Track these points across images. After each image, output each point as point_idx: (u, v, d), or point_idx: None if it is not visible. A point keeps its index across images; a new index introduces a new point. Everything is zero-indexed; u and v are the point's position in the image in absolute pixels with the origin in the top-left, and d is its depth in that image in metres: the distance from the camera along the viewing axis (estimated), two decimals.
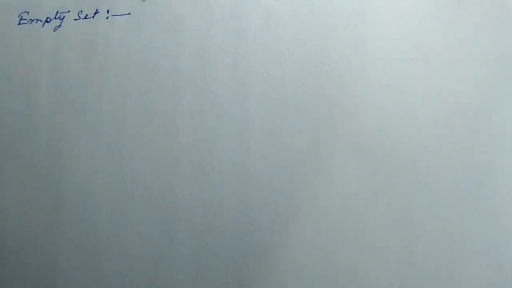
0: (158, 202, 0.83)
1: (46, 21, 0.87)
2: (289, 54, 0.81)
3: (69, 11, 0.86)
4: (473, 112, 0.77)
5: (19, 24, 0.88)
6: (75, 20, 0.86)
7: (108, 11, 0.85)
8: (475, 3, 0.78)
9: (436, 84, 0.78)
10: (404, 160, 0.77)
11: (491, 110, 0.76)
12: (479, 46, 0.77)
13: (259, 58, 0.81)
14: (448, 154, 0.77)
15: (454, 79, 0.77)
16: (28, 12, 0.87)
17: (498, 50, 0.77)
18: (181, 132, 0.82)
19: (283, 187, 0.80)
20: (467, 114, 0.77)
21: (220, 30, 0.82)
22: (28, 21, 0.87)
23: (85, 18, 0.86)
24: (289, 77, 0.80)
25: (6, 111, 0.87)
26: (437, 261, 0.76)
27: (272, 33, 0.81)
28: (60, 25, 0.86)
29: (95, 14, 0.85)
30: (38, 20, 0.87)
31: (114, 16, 0.85)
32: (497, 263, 0.75)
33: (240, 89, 0.81)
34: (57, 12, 0.87)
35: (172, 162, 0.82)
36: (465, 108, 0.77)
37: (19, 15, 0.88)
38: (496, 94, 0.76)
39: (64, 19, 0.86)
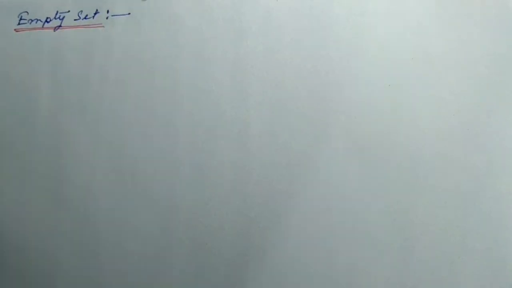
0: (158, 202, 0.83)
1: (46, 21, 0.87)
2: (289, 54, 0.81)
3: (69, 11, 0.86)
4: (473, 112, 0.77)
5: (18, 24, 0.88)
6: (75, 20, 0.86)
7: (108, 11, 0.85)
8: (475, 3, 0.78)
9: (436, 84, 0.78)
10: (404, 160, 0.77)
11: (491, 110, 0.76)
12: (479, 46, 0.77)
13: (259, 58, 0.81)
14: (448, 154, 0.77)
15: (454, 79, 0.77)
16: (27, 12, 0.87)
17: (498, 50, 0.77)
18: (181, 132, 0.82)
19: (283, 187, 0.80)
20: (467, 114, 0.77)
21: (220, 30, 0.82)
22: (28, 21, 0.87)
23: (85, 18, 0.86)
24: (289, 77, 0.80)
25: (6, 111, 0.87)
26: (437, 261, 0.76)
27: (272, 33, 0.81)
28: (60, 25, 0.86)
29: (95, 14, 0.85)
30: (38, 20, 0.87)
31: (114, 16, 0.85)
32: (497, 263, 0.75)
33: (240, 89, 0.81)
34: (57, 12, 0.86)
35: (172, 162, 0.82)
36: (465, 108, 0.77)
37: (19, 15, 0.88)
38: (496, 94, 0.76)
39: (64, 19, 0.86)
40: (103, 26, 0.85)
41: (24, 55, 0.87)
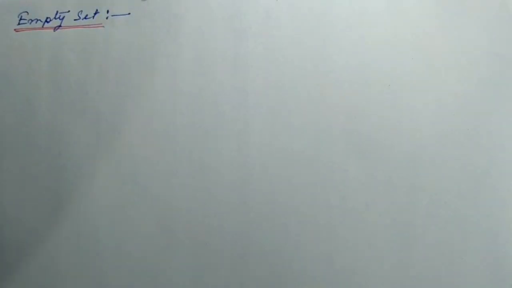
0: (158, 202, 0.83)
1: (46, 21, 0.87)
2: (289, 54, 0.81)
3: (69, 11, 0.86)
4: (473, 112, 0.77)
5: (18, 24, 0.88)
6: (75, 20, 0.86)
7: (108, 11, 0.85)
8: (475, 3, 0.78)
9: (436, 84, 0.78)
10: (404, 160, 0.78)
11: (491, 110, 0.76)
12: (479, 46, 0.77)
13: (259, 58, 0.81)
14: (448, 154, 0.77)
15: (454, 79, 0.77)
16: (27, 12, 0.87)
17: (498, 50, 0.77)
18: (181, 132, 0.82)
19: (283, 187, 0.80)
20: (467, 114, 0.77)
21: (220, 30, 0.82)
22: (28, 21, 0.87)
23: (85, 18, 0.86)
24: (289, 77, 0.80)
25: (6, 111, 0.87)
26: (437, 261, 0.76)
27: (272, 33, 0.81)
28: (60, 25, 0.86)
29: (95, 14, 0.85)
30: (38, 20, 0.87)
31: (114, 16, 0.85)
32: (497, 263, 0.75)
33: (240, 89, 0.81)
34: (57, 12, 0.87)
35: (172, 162, 0.82)
36: (465, 108, 0.77)
37: (19, 15, 0.88)
38: (496, 94, 0.76)
39: (64, 19, 0.86)
40: (103, 26, 0.85)
41: (24, 55, 0.87)
